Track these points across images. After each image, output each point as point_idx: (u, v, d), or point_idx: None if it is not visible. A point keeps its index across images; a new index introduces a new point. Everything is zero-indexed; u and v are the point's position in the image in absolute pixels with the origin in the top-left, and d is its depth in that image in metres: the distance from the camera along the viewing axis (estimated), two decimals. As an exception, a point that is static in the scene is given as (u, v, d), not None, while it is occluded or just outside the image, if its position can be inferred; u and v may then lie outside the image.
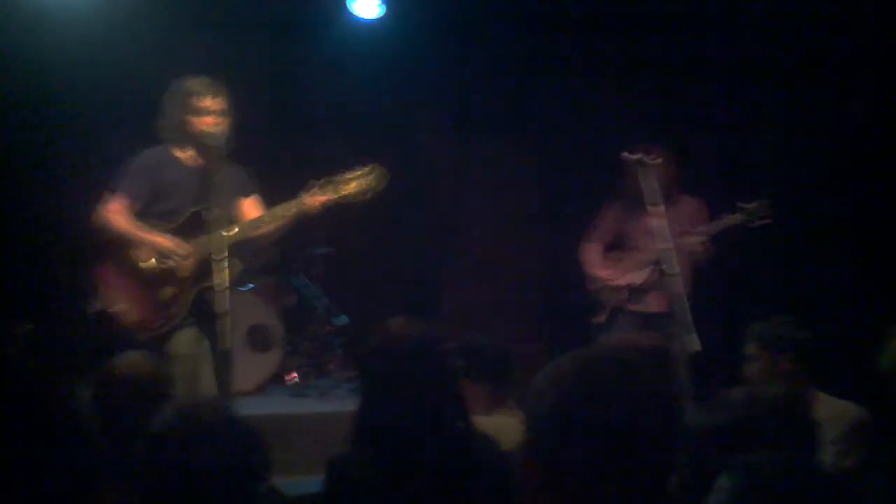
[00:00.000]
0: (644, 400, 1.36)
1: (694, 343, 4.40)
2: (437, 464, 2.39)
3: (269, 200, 4.50)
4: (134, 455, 1.83)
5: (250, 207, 4.40)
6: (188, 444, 1.85)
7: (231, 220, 4.25)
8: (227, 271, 3.82)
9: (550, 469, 1.35)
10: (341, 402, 5.79)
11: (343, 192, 4.17)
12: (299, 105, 7.14)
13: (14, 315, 5.96)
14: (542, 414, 1.39)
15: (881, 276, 5.67)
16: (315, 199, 4.14)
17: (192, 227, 4.24)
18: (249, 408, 5.64)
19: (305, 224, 4.25)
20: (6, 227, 6.28)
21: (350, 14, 6.62)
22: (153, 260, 4.24)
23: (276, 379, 6.66)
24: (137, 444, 1.90)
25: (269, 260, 6.69)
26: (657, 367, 1.45)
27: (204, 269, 4.15)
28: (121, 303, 4.22)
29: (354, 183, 4.18)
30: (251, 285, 6.70)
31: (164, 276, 4.24)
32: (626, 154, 4.83)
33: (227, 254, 3.88)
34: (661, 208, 4.66)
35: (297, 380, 6.67)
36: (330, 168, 4.29)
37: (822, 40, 5.98)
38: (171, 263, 4.20)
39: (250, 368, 6.41)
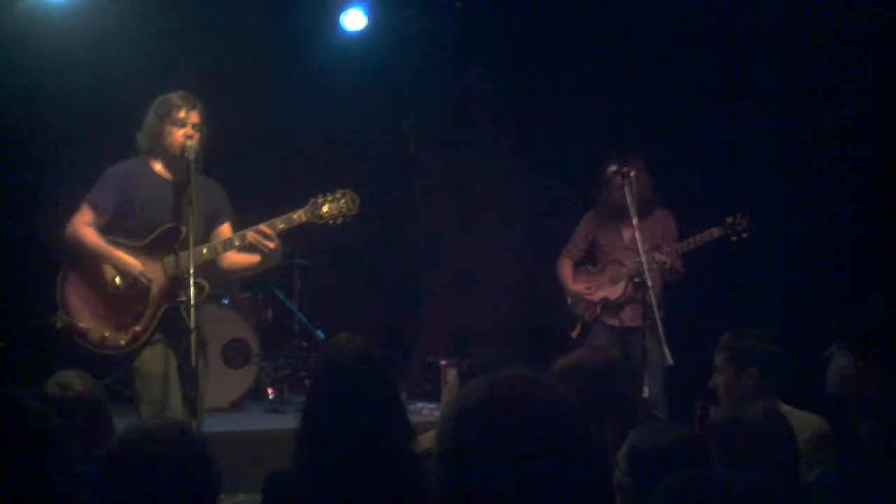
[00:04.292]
0: (545, 426, 1.37)
1: (667, 358, 4.43)
2: (374, 482, 2.37)
3: (250, 216, 4.48)
4: (82, 476, 1.80)
5: (225, 232, 4.36)
6: (137, 466, 1.82)
7: (204, 238, 4.22)
8: (194, 289, 3.79)
9: (455, 491, 1.38)
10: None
11: (312, 217, 4.18)
12: (287, 118, 7.15)
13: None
14: (447, 437, 1.42)
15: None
16: (270, 227, 4.12)
17: (164, 244, 4.20)
18: (224, 423, 5.63)
19: (284, 236, 4.23)
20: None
21: (340, 27, 6.84)
22: (118, 279, 4.18)
23: (252, 394, 6.64)
24: (88, 466, 1.86)
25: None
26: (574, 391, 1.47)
27: (173, 287, 4.13)
28: (87, 318, 4.16)
29: (326, 207, 4.19)
30: (228, 300, 6.68)
31: (131, 294, 4.19)
32: (608, 166, 4.85)
33: (193, 271, 3.85)
34: (638, 221, 4.70)
35: (272, 395, 6.65)
36: (312, 184, 4.29)
37: (803, 55, 6.02)
38: (133, 284, 4.15)
39: (226, 383, 6.38)
